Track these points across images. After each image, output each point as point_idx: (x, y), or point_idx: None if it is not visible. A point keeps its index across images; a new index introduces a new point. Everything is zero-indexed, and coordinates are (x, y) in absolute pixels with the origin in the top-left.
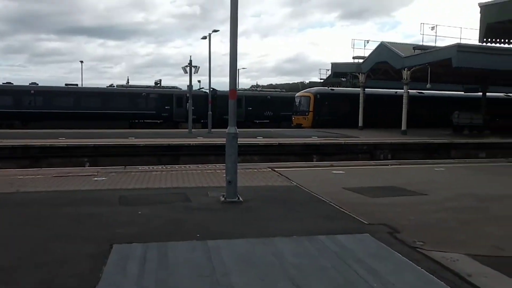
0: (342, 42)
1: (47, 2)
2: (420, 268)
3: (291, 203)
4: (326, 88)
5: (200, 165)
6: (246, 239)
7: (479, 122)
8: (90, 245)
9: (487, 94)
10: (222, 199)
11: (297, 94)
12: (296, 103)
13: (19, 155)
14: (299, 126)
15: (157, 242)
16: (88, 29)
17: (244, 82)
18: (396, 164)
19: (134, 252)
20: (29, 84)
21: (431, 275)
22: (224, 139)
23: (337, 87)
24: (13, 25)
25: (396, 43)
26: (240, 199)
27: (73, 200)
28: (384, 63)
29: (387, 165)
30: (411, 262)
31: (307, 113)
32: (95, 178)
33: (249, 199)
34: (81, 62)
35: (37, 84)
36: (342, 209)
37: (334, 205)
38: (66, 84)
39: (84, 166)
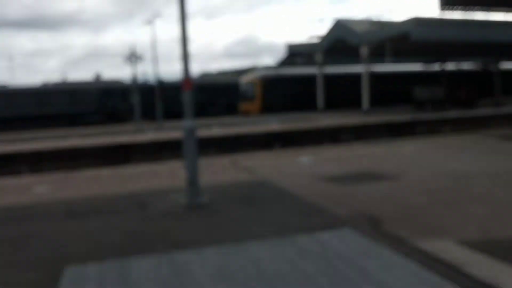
0: (294, 20)
1: None
2: (410, 262)
3: (261, 200)
4: (273, 71)
5: (154, 165)
6: (217, 248)
7: (440, 96)
8: (35, 271)
9: (446, 67)
10: (184, 201)
11: (243, 79)
12: (243, 89)
13: None
14: (247, 112)
15: (115, 258)
16: (16, 21)
17: (192, 68)
18: (364, 147)
19: (90, 274)
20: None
21: (424, 269)
22: (177, 133)
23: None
24: None
25: (352, 20)
26: (205, 200)
27: (12, 217)
28: (342, 41)
29: (355, 148)
30: (400, 256)
31: (254, 99)
32: (36, 189)
33: (214, 199)
34: (10, 58)
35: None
36: (316, 202)
37: (306, 198)
38: None
39: (22, 174)
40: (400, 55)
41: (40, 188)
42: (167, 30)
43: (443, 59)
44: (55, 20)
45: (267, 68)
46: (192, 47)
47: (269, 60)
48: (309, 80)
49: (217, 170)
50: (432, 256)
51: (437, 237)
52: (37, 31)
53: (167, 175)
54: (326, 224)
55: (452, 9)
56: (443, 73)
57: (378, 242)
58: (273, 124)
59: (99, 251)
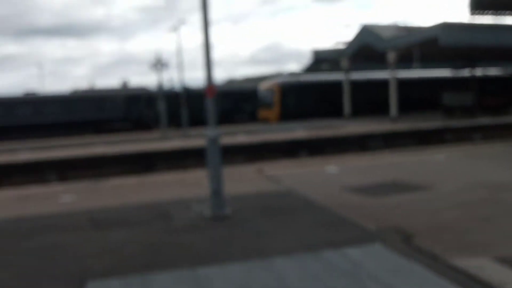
0: (319, 26)
1: (1, 4)
2: (445, 281)
3: (286, 211)
4: (292, 77)
5: (178, 172)
6: (241, 263)
7: (469, 102)
8: (58, 285)
9: (476, 73)
10: (208, 213)
11: (261, 85)
12: (261, 96)
13: None
14: (265, 120)
15: (138, 274)
16: (47, 29)
17: (217, 75)
18: (392, 155)
19: None
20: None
21: None
22: (202, 140)
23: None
24: None
25: (379, 25)
26: (229, 211)
27: (37, 228)
28: (368, 47)
29: (383, 156)
30: (434, 274)
31: (272, 106)
32: (62, 198)
33: (238, 210)
34: (40, 66)
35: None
36: (344, 214)
37: (334, 210)
38: (25, 94)
39: (50, 182)
40: (428, 61)
41: (66, 197)
42: (192, 37)
43: (472, 64)
44: (84, 27)
45: (289, 74)
46: (218, 54)
47: (294, 66)
48: (331, 86)
49: (242, 179)
50: (468, 275)
51: (474, 254)
52: (66, 38)
53: (192, 184)
54: (355, 238)
55: (482, 13)
56: (472, 79)
57: (410, 258)
58: (299, 131)
59: (122, 264)
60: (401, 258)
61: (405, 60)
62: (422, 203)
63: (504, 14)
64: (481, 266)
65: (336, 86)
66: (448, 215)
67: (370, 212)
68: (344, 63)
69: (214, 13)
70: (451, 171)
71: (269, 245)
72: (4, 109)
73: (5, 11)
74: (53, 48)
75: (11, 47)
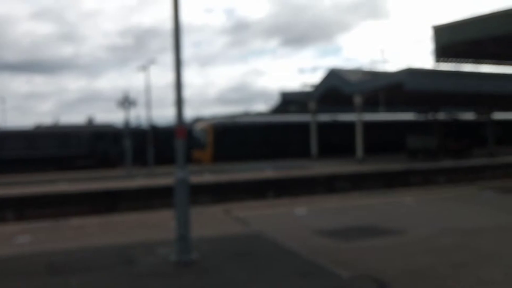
0: (286, 68)
1: None
2: None
3: (256, 257)
4: (227, 119)
5: (143, 213)
6: None
7: (432, 145)
8: None
9: (439, 117)
10: (174, 258)
11: (197, 126)
12: (196, 136)
13: None
14: (199, 161)
15: None
16: (12, 65)
17: (186, 113)
18: (362, 197)
19: None
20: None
21: None
22: (168, 180)
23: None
24: None
25: (346, 69)
26: (196, 256)
27: None
28: (335, 89)
29: (352, 198)
30: None
31: (205, 147)
32: (18, 239)
33: (206, 255)
34: (2, 100)
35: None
36: (316, 261)
37: (305, 255)
38: None
39: (7, 221)
40: (393, 104)
41: (23, 238)
42: (160, 76)
43: (436, 108)
44: (51, 64)
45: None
46: (186, 93)
47: (262, 106)
48: (270, 128)
49: (209, 221)
50: None
51: None
52: (33, 74)
53: (157, 225)
54: (326, 287)
55: (446, 61)
56: (435, 122)
57: None
58: (266, 170)
59: None
60: None
61: (371, 103)
62: (395, 248)
63: (466, 62)
64: None
65: (276, 127)
66: (423, 261)
67: (343, 258)
68: (312, 105)
69: (183, 53)
70: (421, 215)
71: None
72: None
73: None
74: (19, 84)
75: None
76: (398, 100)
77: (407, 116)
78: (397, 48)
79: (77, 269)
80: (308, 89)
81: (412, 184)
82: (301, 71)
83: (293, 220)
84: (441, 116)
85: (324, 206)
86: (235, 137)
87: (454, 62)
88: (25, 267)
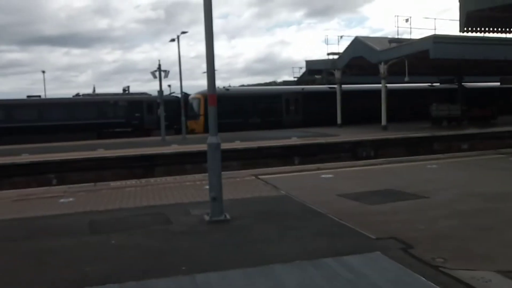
0: (312, 40)
1: (7, 13)
2: None
3: (285, 218)
4: (221, 88)
5: (177, 177)
6: (242, 270)
7: (457, 113)
8: None
9: (464, 85)
10: (207, 218)
11: (190, 96)
12: (190, 107)
13: None
14: (193, 131)
15: (136, 281)
16: (51, 38)
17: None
18: (385, 163)
19: None
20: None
21: None
22: (201, 146)
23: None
24: None
25: (371, 37)
26: (227, 217)
27: (35, 230)
28: (360, 58)
29: (377, 164)
30: (436, 287)
31: (198, 117)
32: (61, 200)
33: (237, 216)
34: (43, 72)
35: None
36: (342, 222)
37: (332, 217)
38: (28, 96)
39: (51, 184)
40: (418, 72)
41: (65, 200)
42: (191, 48)
43: (461, 76)
44: (87, 37)
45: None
46: (215, 65)
47: (288, 77)
48: (265, 97)
49: (239, 185)
50: None
51: (477, 266)
52: (70, 47)
53: (191, 188)
54: (354, 247)
55: (472, 30)
56: (460, 90)
57: (411, 269)
58: (293, 138)
59: (121, 270)
60: (402, 268)
61: (395, 71)
62: (419, 211)
63: (493, 31)
64: (485, 279)
65: (271, 97)
66: (447, 224)
67: (368, 220)
68: (337, 74)
69: (205, 26)
70: (445, 180)
71: (269, 252)
72: (8, 112)
73: (13, 20)
74: (58, 56)
75: (17, 54)
76: (423, 68)
77: (432, 84)
78: (423, 18)
79: (116, 228)
80: (333, 58)
81: (435, 151)
82: (326, 41)
83: (319, 184)
84: (467, 83)
85: (349, 172)
86: (229, 107)
87: (480, 31)
88: (69, 226)
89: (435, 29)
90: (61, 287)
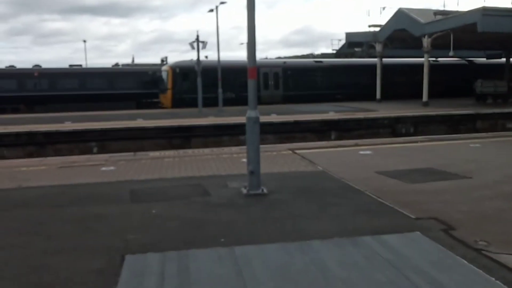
0: (352, 10)
1: None
2: (494, 279)
3: (323, 193)
4: (191, 60)
5: (214, 149)
6: (280, 244)
7: (503, 90)
8: (98, 258)
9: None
10: (245, 191)
11: (162, 68)
12: (160, 79)
13: (24, 142)
14: (162, 105)
15: (176, 250)
16: (91, 7)
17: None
18: (426, 141)
19: (150, 265)
20: (32, 66)
21: None
22: (238, 118)
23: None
24: (16, 7)
25: (415, 8)
26: (265, 191)
27: (79, 197)
28: (402, 31)
29: (417, 142)
30: (481, 271)
31: (165, 91)
32: (103, 168)
33: (274, 190)
34: (84, 41)
35: (40, 66)
36: (381, 200)
37: (370, 194)
38: (70, 65)
39: (92, 152)
40: (463, 46)
41: (107, 168)
42: (228, 20)
43: (509, 50)
44: (127, 7)
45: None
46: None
47: (326, 49)
48: (238, 70)
49: (276, 159)
50: None
51: None
52: (110, 17)
53: (228, 161)
54: (394, 226)
55: None
56: (507, 65)
57: (453, 251)
58: (330, 113)
59: (161, 239)
60: (443, 250)
61: (440, 45)
62: (461, 191)
63: None
64: None
65: (243, 71)
66: (491, 206)
67: (408, 199)
68: (378, 47)
69: None
70: (489, 160)
71: (307, 228)
72: (50, 81)
73: None
74: (98, 26)
75: (58, 24)
76: (470, 42)
77: (478, 59)
78: None
79: (156, 198)
80: (374, 30)
81: (479, 129)
82: (367, 13)
83: (357, 161)
84: None
85: (388, 148)
86: (202, 80)
87: None
88: (111, 194)
89: (484, 1)
90: (104, 253)
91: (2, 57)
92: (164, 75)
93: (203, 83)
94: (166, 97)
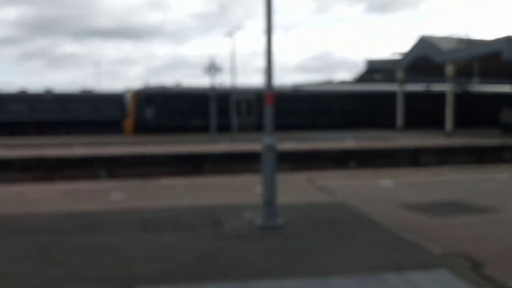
0: (372, 36)
1: (63, 6)
2: None
3: (342, 227)
4: (155, 87)
5: (225, 176)
6: (297, 279)
7: None
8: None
9: None
10: (259, 222)
11: (126, 95)
12: (126, 105)
13: (33, 166)
14: (125, 131)
15: (187, 283)
16: (104, 31)
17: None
18: (450, 172)
19: None
20: (45, 91)
21: None
22: (251, 145)
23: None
24: (30, 31)
25: (438, 36)
26: (281, 222)
27: (88, 225)
28: (425, 58)
29: (441, 173)
30: None
31: (128, 116)
32: (112, 196)
33: (291, 222)
34: (96, 65)
35: (50, 92)
36: (403, 234)
37: (392, 228)
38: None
39: (100, 177)
40: (487, 75)
41: (116, 195)
42: (243, 44)
43: None
44: (140, 31)
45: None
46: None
47: (344, 75)
48: (202, 98)
49: (292, 188)
50: None
51: None
52: (123, 40)
53: (240, 189)
54: (418, 262)
55: None
56: None
57: None
58: (348, 140)
59: (172, 271)
60: None
61: (463, 73)
62: (489, 227)
63: None
64: None
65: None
66: None
67: (433, 234)
68: (399, 74)
69: (265, 20)
70: None
71: (325, 262)
72: (61, 105)
73: (67, 12)
74: (110, 49)
75: (70, 47)
76: (494, 71)
77: (503, 88)
78: (494, 16)
79: (167, 227)
80: (396, 57)
81: (506, 161)
82: (387, 39)
83: (378, 192)
84: None
85: (410, 180)
86: (167, 106)
87: None
88: (120, 223)
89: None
90: (112, 284)
91: (14, 80)
92: (128, 101)
93: (172, 110)
94: (128, 123)
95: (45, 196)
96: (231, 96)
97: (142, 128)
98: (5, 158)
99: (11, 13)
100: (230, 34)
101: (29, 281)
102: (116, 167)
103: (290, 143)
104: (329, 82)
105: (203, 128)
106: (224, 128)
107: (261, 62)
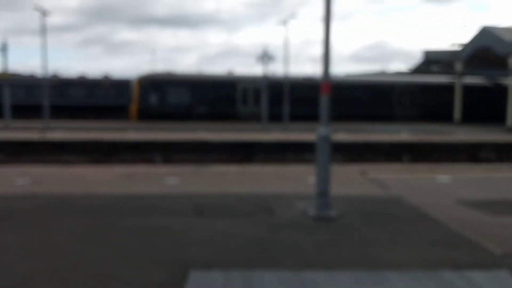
0: (429, 27)
1: None
2: None
3: (396, 220)
4: (161, 73)
5: (277, 165)
6: (351, 272)
7: None
8: (161, 271)
9: None
10: (312, 212)
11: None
12: (132, 91)
13: (91, 149)
14: (130, 118)
15: (239, 269)
16: (161, 19)
17: (317, 71)
18: (510, 170)
19: (214, 282)
20: (103, 76)
21: None
22: (303, 135)
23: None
24: (90, 18)
25: (501, 27)
26: (334, 213)
27: (143, 207)
28: (486, 50)
29: (501, 169)
30: None
31: (132, 102)
32: (167, 180)
33: (344, 213)
34: (152, 52)
35: (107, 78)
36: (461, 232)
37: (450, 225)
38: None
39: (155, 162)
40: None
41: (171, 179)
42: (297, 33)
43: None
44: (195, 19)
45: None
46: (319, 50)
47: (400, 66)
48: (208, 85)
49: (345, 180)
50: None
51: None
52: (178, 28)
53: (292, 178)
54: (476, 261)
55: None
56: None
57: None
58: (403, 133)
59: (225, 257)
60: None
61: None
62: None
63: None
64: None
65: (219, 85)
66: None
67: (493, 232)
68: (458, 65)
69: (320, 9)
70: None
71: (379, 256)
72: (118, 90)
73: (125, 1)
74: (166, 37)
75: (127, 34)
76: None
77: None
78: None
79: (221, 214)
80: (456, 48)
81: None
82: (445, 30)
83: (434, 187)
84: None
85: (467, 176)
86: (169, 94)
87: None
88: (175, 207)
89: None
90: (166, 266)
91: (74, 65)
92: (133, 86)
93: (177, 96)
94: (132, 109)
95: (103, 178)
96: (283, 85)
97: (145, 114)
98: (65, 140)
99: (73, 1)
100: (283, 22)
101: (85, 259)
102: (170, 152)
103: (343, 134)
104: (382, 73)
105: (208, 117)
106: (229, 116)
107: (314, 51)
